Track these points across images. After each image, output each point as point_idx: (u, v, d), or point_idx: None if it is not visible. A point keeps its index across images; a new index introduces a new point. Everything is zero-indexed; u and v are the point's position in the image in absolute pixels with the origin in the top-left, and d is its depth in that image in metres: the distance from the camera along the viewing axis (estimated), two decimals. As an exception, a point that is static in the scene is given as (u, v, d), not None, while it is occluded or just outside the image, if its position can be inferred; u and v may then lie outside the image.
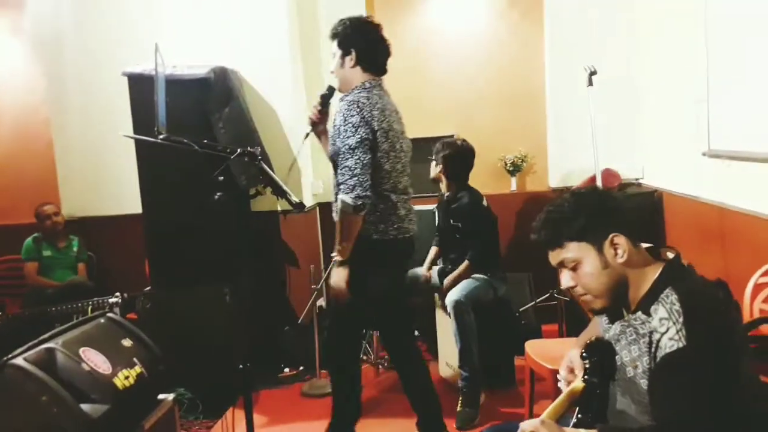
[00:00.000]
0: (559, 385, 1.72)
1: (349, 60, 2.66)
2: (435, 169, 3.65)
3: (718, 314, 1.39)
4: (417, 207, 4.53)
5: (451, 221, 3.60)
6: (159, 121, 2.25)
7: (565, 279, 1.53)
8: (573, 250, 1.49)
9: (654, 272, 1.48)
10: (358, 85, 2.68)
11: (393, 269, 2.80)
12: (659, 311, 1.40)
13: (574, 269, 1.51)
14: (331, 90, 2.76)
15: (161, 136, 2.20)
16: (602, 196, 1.56)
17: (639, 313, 1.48)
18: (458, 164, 3.62)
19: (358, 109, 2.57)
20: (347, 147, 2.55)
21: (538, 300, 4.02)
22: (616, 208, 1.54)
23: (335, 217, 2.64)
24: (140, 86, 3.56)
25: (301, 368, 3.97)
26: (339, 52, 2.68)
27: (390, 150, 2.66)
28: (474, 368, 3.30)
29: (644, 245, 1.58)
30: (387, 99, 2.74)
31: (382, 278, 2.73)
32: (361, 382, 3.01)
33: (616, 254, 1.48)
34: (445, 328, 3.66)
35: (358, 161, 2.53)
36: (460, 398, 3.31)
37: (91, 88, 4.41)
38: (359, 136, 2.54)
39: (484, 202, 3.60)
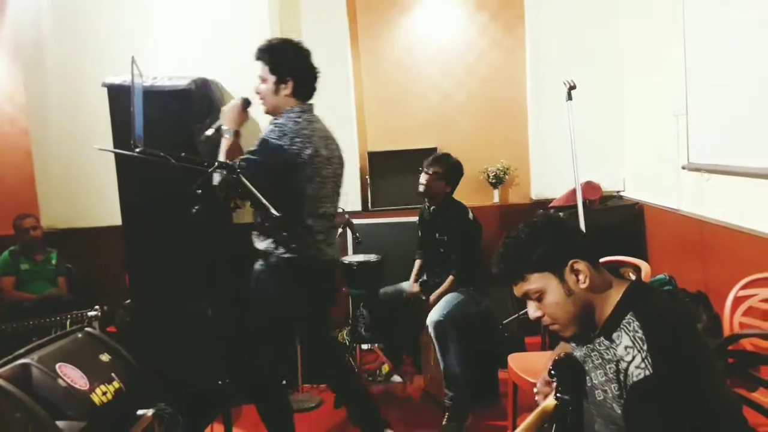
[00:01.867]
0: (536, 398, 1.72)
1: (284, 88, 2.61)
2: (442, 187, 3.56)
3: (681, 336, 1.38)
4: (401, 219, 4.62)
5: (437, 235, 3.59)
6: (135, 133, 2.22)
7: (532, 310, 1.54)
8: (535, 282, 1.49)
9: (617, 294, 1.48)
10: (287, 110, 2.63)
11: (309, 290, 2.68)
12: (623, 339, 1.40)
13: (539, 300, 1.51)
14: (247, 103, 2.69)
15: (137, 149, 2.17)
16: (556, 224, 1.55)
17: (602, 338, 1.48)
18: (458, 179, 3.62)
19: (281, 134, 2.53)
20: (258, 149, 2.53)
21: (521, 313, 4.02)
22: (571, 235, 1.55)
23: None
24: (120, 97, 3.53)
25: (284, 382, 3.91)
26: (272, 78, 2.61)
27: (314, 175, 2.60)
28: (459, 388, 3.27)
29: (603, 260, 1.59)
30: (316, 125, 2.68)
31: (295, 298, 2.65)
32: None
33: (578, 280, 1.48)
34: (428, 342, 3.65)
35: (261, 163, 2.47)
36: (447, 414, 3.28)
37: (71, 98, 4.37)
38: (275, 143, 2.51)
39: (470, 215, 3.58)
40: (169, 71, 3.79)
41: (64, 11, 4.38)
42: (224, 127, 2.64)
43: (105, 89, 3.67)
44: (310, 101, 2.73)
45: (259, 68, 2.63)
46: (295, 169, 2.54)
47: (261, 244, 2.69)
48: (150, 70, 3.68)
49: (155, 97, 3.49)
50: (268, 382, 2.81)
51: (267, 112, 2.70)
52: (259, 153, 2.51)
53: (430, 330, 3.30)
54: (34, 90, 4.50)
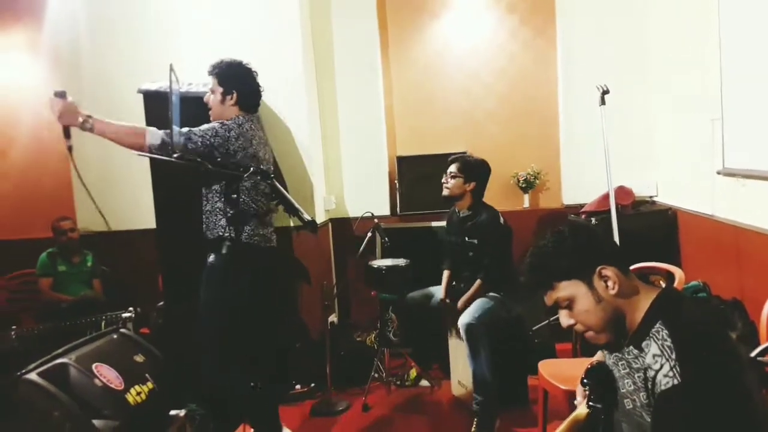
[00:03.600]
0: (576, 403, 1.71)
1: (230, 99, 2.97)
2: (462, 185, 3.56)
3: (711, 345, 1.36)
4: (430, 224, 4.62)
5: (466, 238, 3.58)
6: (174, 139, 2.27)
7: (564, 318, 1.53)
8: (564, 290, 1.49)
9: (647, 301, 1.46)
10: (232, 118, 2.93)
11: (250, 273, 2.89)
12: (651, 347, 1.38)
13: (569, 308, 1.50)
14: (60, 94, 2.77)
15: (175, 155, 2.22)
16: (582, 231, 1.55)
17: (631, 347, 1.46)
18: (486, 181, 3.62)
19: (227, 128, 2.84)
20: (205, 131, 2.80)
21: (551, 318, 3.99)
22: (598, 241, 1.54)
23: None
24: (155, 103, 3.60)
25: (313, 385, 3.95)
26: (220, 89, 2.97)
27: (254, 170, 2.79)
28: (488, 392, 3.25)
29: (633, 267, 1.57)
30: (257, 132, 2.99)
31: (238, 281, 2.84)
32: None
33: (607, 287, 1.47)
34: (457, 347, 3.65)
35: (204, 136, 2.76)
36: (475, 420, 3.27)
37: (108, 104, 4.45)
38: (220, 131, 2.80)
39: (501, 220, 3.57)
40: (204, 78, 3.85)
41: (101, 19, 4.49)
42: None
43: (141, 95, 3.75)
44: (255, 113, 3.08)
45: (210, 81, 3.02)
46: (236, 160, 2.78)
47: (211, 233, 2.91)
48: (185, 77, 3.75)
49: (190, 103, 3.54)
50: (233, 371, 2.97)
51: (213, 120, 2.99)
52: (201, 132, 2.77)
53: (462, 332, 3.29)
54: (72, 96, 4.59)
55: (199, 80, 3.77)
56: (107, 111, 4.41)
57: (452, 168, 3.59)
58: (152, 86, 3.66)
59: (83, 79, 4.53)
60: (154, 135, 2.71)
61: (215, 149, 2.76)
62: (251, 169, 2.24)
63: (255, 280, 2.92)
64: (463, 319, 3.31)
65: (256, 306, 2.95)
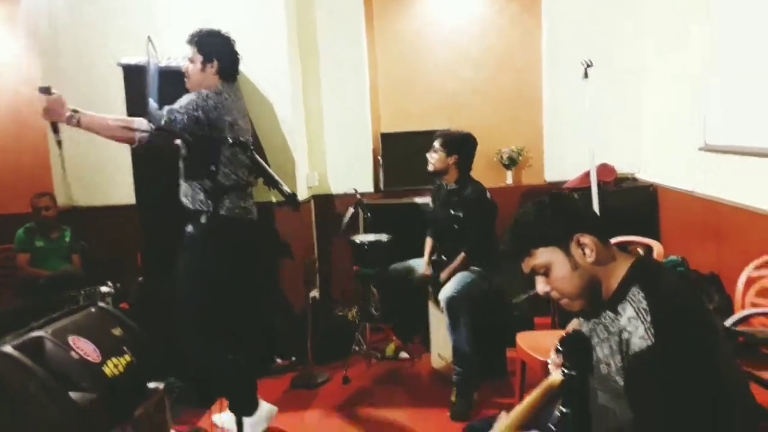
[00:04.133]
0: (549, 367, 1.72)
1: (210, 67, 2.93)
2: (445, 160, 3.57)
3: (686, 310, 1.37)
4: (413, 200, 4.62)
5: (452, 211, 3.58)
6: (151, 112, 2.24)
7: (540, 285, 1.54)
8: (541, 256, 1.50)
9: (623, 268, 1.48)
10: (211, 87, 2.90)
11: (231, 246, 2.88)
12: (627, 310, 1.40)
13: (546, 275, 1.51)
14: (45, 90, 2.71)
15: (153, 127, 2.19)
16: (562, 200, 1.56)
17: (608, 311, 1.48)
18: (471, 154, 3.62)
19: (205, 97, 2.81)
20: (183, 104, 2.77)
21: (531, 292, 4.01)
22: (576, 209, 1.55)
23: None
24: (136, 77, 3.53)
25: (293, 359, 3.96)
26: (200, 58, 2.93)
27: (234, 140, 2.76)
28: (468, 364, 3.29)
29: (614, 240, 1.58)
30: (236, 102, 2.99)
31: (217, 254, 2.84)
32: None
33: (584, 254, 1.48)
34: (438, 319, 3.67)
35: (188, 111, 2.74)
36: (454, 391, 3.31)
37: (87, 78, 4.39)
38: (193, 112, 2.76)
39: (488, 195, 3.58)
40: (184, 50, 3.79)
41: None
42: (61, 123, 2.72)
43: (120, 69, 3.68)
44: (234, 83, 3.04)
45: (189, 50, 2.97)
46: (218, 130, 2.78)
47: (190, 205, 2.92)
48: (165, 51, 3.69)
49: (169, 77, 3.48)
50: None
51: (188, 87, 2.98)
52: (183, 107, 2.75)
53: (443, 305, 3.31)
54: (50, 70, 4.51)
55: (179, 53, 3.71)
56: (87, 85, 4.38)
57: (435, 143, 3.62)
58: (132, 60, 3.59)
59: (61, 54, 4.44)
60: (142, 123, 2.68)
61: (199, 122, 2.75)
62: (230, 140, 2.22)
63: (235, 254, 2.90)
64: (445, 293, 3.33)
65: (238, 280, 2.94)
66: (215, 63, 2.94)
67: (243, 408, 2.89)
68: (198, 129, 2.73)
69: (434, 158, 3.59)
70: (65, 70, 4.44)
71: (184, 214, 2.92)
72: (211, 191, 2.64)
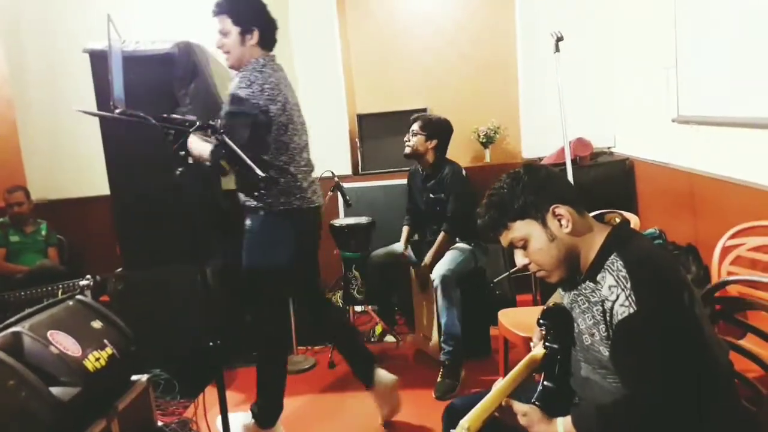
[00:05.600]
0: (532, 345, 1.74)
1: (250, 38, 2.61)
2: (424, 143, 3.55)
3: (664, 274, 1.39)
4: (392, 182, 4.60)
5: (431, 195, 3.58)
6: (114, 95, 2.18)
7: (518, 258, 1.55)
8: (518, 229, 1.51)
9: (600, 237, 1.49)
10: (252, 61, 2.63)
11: (301, 238, 2.76)
12: (607, 279, 1.41)
13: (524, 247, 1.52)
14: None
15: (117, 111, 2.13)
16: (536, 171, 1.56)
17: (588, 282, 1.49)
18: (449, 139, 3.62)
19: (249, 83, 2.55)
20: (227, 113, 2.56)
21: (512, 271, 4.04)
22: (551, 181, 1.55)
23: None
24: (103, 64, 3.45)
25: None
26: (236, 29, 2.60)
27: (288, 122, 2.64)
28: (458, 343, 3.31)
29: (592, 214, 1.59)
30: (281, 73, 2.73)
31: (291, 247, 2.71)
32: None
33: (560, 225, 1.49)
34: (421, 301, 3.68)
35: (238, 114, 2.53)
36: (442, 370, 3.33)
37: (53, 67, 4.30)
38: (241, 107, 2.53)
39: (464, 173, 3.59)
40: (153, 35, 3.72)
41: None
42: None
43: (87, 55, 3.60)
44: (272, 52, 2.74)
45: (220, 23, 2.62)
46: (270, 117, 2.57)
47: (249, 201, 2.71)
48: (133, 34, 3.61)
49: (138, 62, 3.43)
50: (279, 340, 2.91)
51: (232, 66, 2.70)
52: (233, 107, 2.53)
53: (436, 284, 3.31)
54: (15, 60, 4.41)
55: (147, 37, 3.65)
56: (54, 73, 4.29)
57: (414, 126, 3.59)
58: (98, 45, 3.51)
59: (25, 43, 4.34)
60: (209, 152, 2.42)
61: (254, 117, 2.51)
62: (197, 123, 2.15)
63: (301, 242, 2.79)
64: (438, 271, 3.34)
65: (304, 267, 2.90)
66: (256, 32, 2.61)
67: (268, 412, 2.82)
68: (253, 124, 2.50)
69: (413, 141, 3.57)
70: (30, 57, 4.35)
71: (243, 209, 2.75)
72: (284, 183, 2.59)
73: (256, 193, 2.65)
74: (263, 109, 2.53)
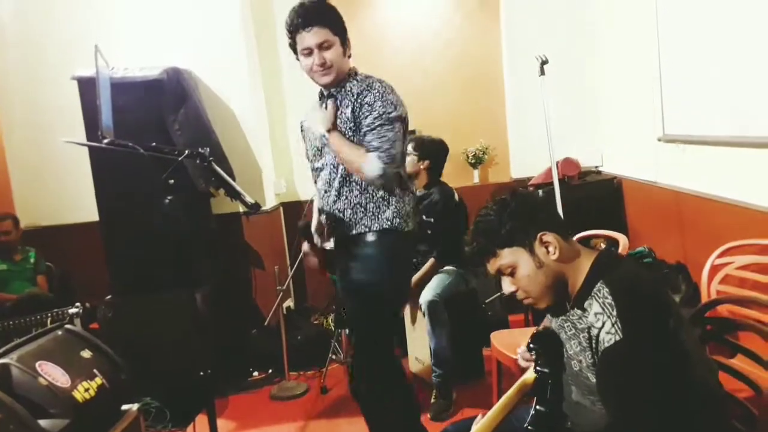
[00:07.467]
0: (519, 361, 1.73)
1: (348, 49, 2.43)
2: (416, 164, 3.54)
3: (650, 300, 1.40)
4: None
5: (423, 217, 3.59)
6: (102, 124, 2.19)
7: (506, 285, 1.56)
8: (506, 257, 1.51)
9: (587, 263, 1.50)
10: (350, 73, 2.47)
11: (405, 263, 2.58)
12: (593, 306, 1.42)
13: (511, 274, 1.53)
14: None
15: (105, 141, 2.13)
16: (523, 199, 1.57)
17: (575, 309, 1.49)
18: (443, 160, 3.63)
19: (391, 88, 2.43)
20: (387, 119, 2.33)
21: (502, 291, 4.04)
22: (538, 208, 1.56)
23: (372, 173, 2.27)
24: (91, 90, 3.46)
25: (270, 371, 3.93)
26: (337, 40, 2.35)
27: (406, 132, 2.50)
28: (447, 365, 3.30)
29: (578, 236, 1.61)
30: None
31: (406, 275, 2.60)
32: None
33: (548, 252, 1.49)
34: (412, 324, 3.67)
35: (398, 136, 2.34)
36: (434, 392, 3.32)
37: (42, 94, 4.30)
38: (399, 112, 2.39)
39: (456, 197, 3.59)
40: (141, 61, 3.74)
41: (27, 5, 4.28)
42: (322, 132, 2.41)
43: (75, 83, 3.61)
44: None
45: (318, 34, 2.31)
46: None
47: (355, 227, 2.38)
48: (121, 61, 3.63)
49: (127, 88, 3.45)
50: (395, 367, 2.52)
51: (331, 82, 2.41)
52: (387, 131, 2.32)
53: (423, 309, 3.31)
54: (3, 88, 4.41)
55: (135, 64, 3.67)
56: (43, 101, 4.28)
57: (407, 146, 3.58)
58: (86, 72, 3.52)
59: (12, 69, 4.33)
60: (373, 165, 2.25)
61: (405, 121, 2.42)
62: (186, 152, 2.13)
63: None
64: (425, 296, 3.33)
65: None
66: (349, 42, 2.41)
67: None
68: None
69: (406, 161, 3.57)
70: (17, 83, 4.34)
71: (350, 239, 2.40)
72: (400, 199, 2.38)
73: (387, 214, 2.37)
74: (405, 116, 2.43)
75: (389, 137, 2.29)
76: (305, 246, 2.59)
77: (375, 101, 2.35)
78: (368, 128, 2.32)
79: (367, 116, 2.33)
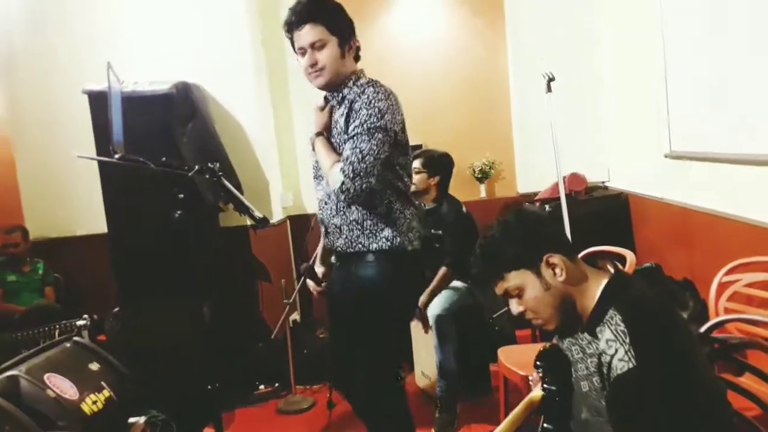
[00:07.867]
0: (531, 384, 1.73)
1: (349, 49, 2.22)
2: (427, 180, 3.54)
3: (663, 327, 1.40)
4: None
5: (432, 231, 3.58)
6: (114, 139, 2.22)
7: (513, 306, 1.56)
8: (513, 279, 1.51)
9: (596, 285, 1.50)
10: (352, 78, 2.26)
11: (417, 284, 2.52)
12: (605, 333, 1.41)
13: (519, 296, 1.52)
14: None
15: (116, 155, 2.16)
16: (528, 220, 1.57)
17: (585, 333, 1.49)
18: (451, 174, 3.64)
19: (386, 94, 2.20)
20: (365, 129, 2.12)
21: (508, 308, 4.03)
22: (543, 229, 1.56)
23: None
24: (101, 104, 3.48)
25: (277, 385, 3.92)
26: (334, 39, 2.16)
27: (407, 143, 2.33)
28: (453, 377, 3.29)
29: (583, 253, 1.61)
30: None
31: (409, 296, 2.48)
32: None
33: (554, 274, 1.49)
34: (420, 338, 3.66)
35: (372, 148, 2.11)
36: (438, 404, 3.31)
37: (52, 107, 4.34)
38: (384, 122, 2.15)
39: (464, 209, 3.60)
40: (151, 75, 3.77)
41: (40, 17, 4.34)
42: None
43: (86, 96, 3.65)
44: None
45: (310, 32, 2.16)
46: (399, 144, 2.25)
47: (352, 245, 2.26)
48: (131, 75, 3.66)
49: (137, 102, 3.48)
50: (399, 394, 2.46)
51: (324, 86, 2.26)
52: (362, 142, 2.12)
53: (431, 324, 3.30)
54: (13, 99, 4.45)
55: (144, 78, 3.70)
56: (53, 114, 4.33)
57: (416, 163, 3.52)
58: (97, 87, 3.56)
59: (23, 80, 4.38)
60: (334, 178, 2.13)
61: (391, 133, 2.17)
62: (195, 167, 2.12)
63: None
64: (433, 311, 3.33)
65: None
66: (353, 42, 2.22)
67: None
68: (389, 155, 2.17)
69: (416, 179, 3.51)
70: (29, 97, 4.39)
71: (349, 257, 2.29)
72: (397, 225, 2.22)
73: (385, 232, 2.23)
74: (392, 127, 2.18)
75: (362, 149, 2.09)
76: (312, 287, 2.58)
77: (361, 108, 2.14)
78: (348, 137, 2.15)
79: (351, 124, 2.16)
